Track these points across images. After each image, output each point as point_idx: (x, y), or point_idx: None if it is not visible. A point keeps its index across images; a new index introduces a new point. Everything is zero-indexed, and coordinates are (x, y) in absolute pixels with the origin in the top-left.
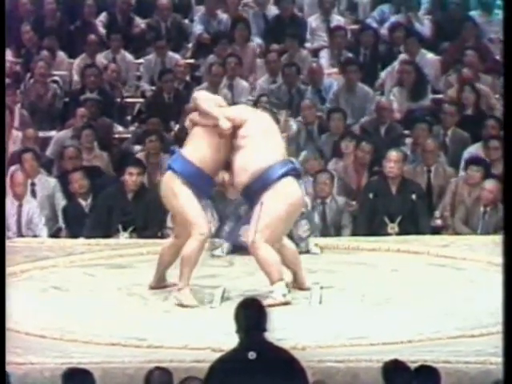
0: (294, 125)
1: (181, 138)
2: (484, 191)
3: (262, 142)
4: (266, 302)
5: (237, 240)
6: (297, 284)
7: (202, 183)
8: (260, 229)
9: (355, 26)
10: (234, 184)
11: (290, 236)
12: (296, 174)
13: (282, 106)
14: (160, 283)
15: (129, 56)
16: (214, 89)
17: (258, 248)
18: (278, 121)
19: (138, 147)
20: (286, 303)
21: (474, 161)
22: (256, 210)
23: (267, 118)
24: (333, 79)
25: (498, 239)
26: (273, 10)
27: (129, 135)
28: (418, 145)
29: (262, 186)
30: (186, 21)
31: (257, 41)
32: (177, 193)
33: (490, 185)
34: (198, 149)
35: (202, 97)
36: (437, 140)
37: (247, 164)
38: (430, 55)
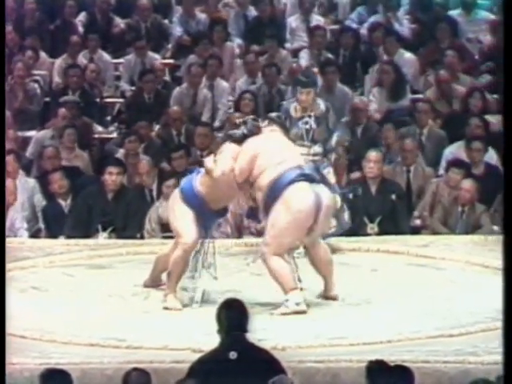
0: (321, 104)
1: (162, 138)
2: (461, 191)
3: (276, 158)
4: (279, 311)
5: None
6: (325, 291)
7: (205, 215)
8: (267, 241)
9: (335, 27)
10: (258, 205)
11: None
12: (307, 178)
13: (309, 84)
14: (154, 283)
15: (106, 56)
16: (193, 89)
17: (266, 260)
18: (286, 130)
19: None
20: (301, 312)
21: (455, 163)
22: (266, 222)
23: (276, 135)
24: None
25: (477, 239)
26: (253, 11)
27: (108, 135)
28: (389, 145)
29: (273, 196)
30: (166, 21)
31: (237, 41)
32: (175, 209)
33: (467, 184)
34: (208, 184)
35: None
36: (414, 139)
37: (262, 181)
38: (408, 55)
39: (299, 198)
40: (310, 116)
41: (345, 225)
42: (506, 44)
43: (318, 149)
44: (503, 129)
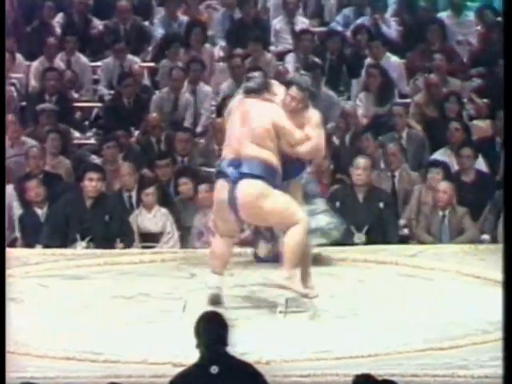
0: None
1: (141, 145)
2: (438, 193)
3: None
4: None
5: None
6: (302, 282)
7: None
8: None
9: (321, 29)
10: None
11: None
12: (222, 176)
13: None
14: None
15: (84, 58)
16: (175, 94)
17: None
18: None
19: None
20: (211, 297)
21: (432, 163)
22: None
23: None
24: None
25: (467, 248)
26: (238, 13)
27: (86, 141)
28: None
29: None
30: (147, 23)
31: (221, 44)
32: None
33: (444, 186)
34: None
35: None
36: (396, 144)
37: None
38: (394, 58)
39: (215, 194)
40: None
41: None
42: (505, 45)
43: None
44: (504, 129)
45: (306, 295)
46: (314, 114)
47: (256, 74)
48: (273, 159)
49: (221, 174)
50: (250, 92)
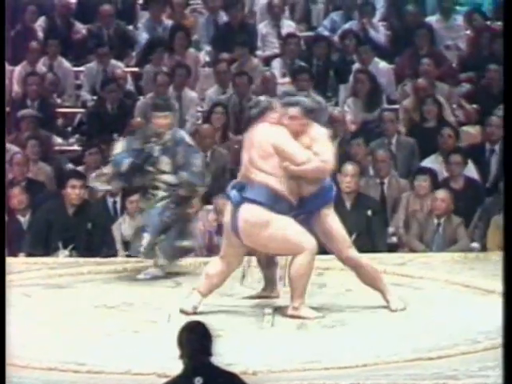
0: (177, 133)
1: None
2: (436, 201)
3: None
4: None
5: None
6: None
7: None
8: None
9: (308, 34)
10: None
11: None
12: (228, 198)
13: (166, 108)
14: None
15: (66, 63)
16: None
17: None
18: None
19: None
20: (184, 311)
21: (419, 171)
22: None
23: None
24: (287, 88)
25: (456, 256)
26: (223, 17)
27: (69, 147)
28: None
29: None
30: (131, 27)
31: (206, 48)
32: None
33: (442, 194)
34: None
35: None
36: (386, 150)
37: None
38: (383, 64)
39: (223, 216)
40: (156, 142)
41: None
42: (505, 46)
43: (168, 178)
44: (504, 132)
45: (316, 318)
46: (319, 131)
47: (262, 98)
48: (278, 185)
49: (227, 197)
50: (255, 118)
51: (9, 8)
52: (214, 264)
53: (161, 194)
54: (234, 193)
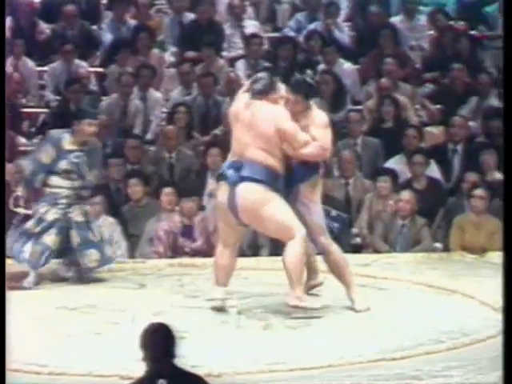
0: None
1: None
2: (400, 202)
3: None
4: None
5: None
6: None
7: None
8: None
9: (273, 35)
10: None
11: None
12: (224, 178)
13: (93, 115)
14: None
15: (31, 63)
16: (124, 100)
17: None
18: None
19: None
20: (216, 308)
21: (380, 171)
22: None
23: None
24: None
25: (420, 257)
26: (189, 17)
27: (33, 148)
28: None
29: None
30: (95, 27)
31: (171, 49)
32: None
33: (406, 195)
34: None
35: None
36: (351, 150)
37: None
38: (348, 64)
39: (216, 197)
40: (82, 151)
41: (109, 258)
42: (505, 47)
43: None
44: (504, 131)
45: (318, 309)
46: (319, 115)
47: (263, 74)
48: (276, 164)
49: (222, 177)
50: (257, 94)
51: None
52: (221, 254)
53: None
54: (230, 172)
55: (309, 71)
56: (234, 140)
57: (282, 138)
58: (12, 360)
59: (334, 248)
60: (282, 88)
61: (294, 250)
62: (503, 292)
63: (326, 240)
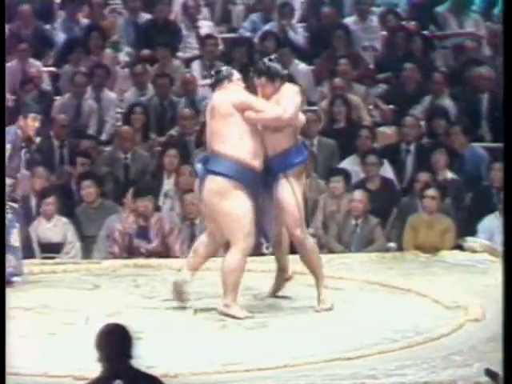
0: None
1: (43, 152)
2: (353, 202)
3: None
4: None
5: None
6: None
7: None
8: None
9: (228, 35)
10: None
11: None
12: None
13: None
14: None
15: None
16: (77, 100)
17: None
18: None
19: None
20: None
21: (333, 172)
22: None
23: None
24: (207, 90)
25: (374, 256)
26: (144, 17)
27: None
28: None
29: None
30: (48, 27)
31: (126, 49)
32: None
33: (359, 195)
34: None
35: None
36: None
37: None
38: (303, 65)
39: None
40: (28, 147)
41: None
42: (505, 47)
43: None
44: (504, 131)
45: (245, 318)
46: (287, 87)
47: (224, 67)
48: (241, 153)
49: (194, 171)
50: (216, 84)
51: None
52: (200, 240)
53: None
54: (199, 166)
55: (272, 56)
56: (206, 134)
57: (242, 110)
58: None
59: (309, 242)
60: (238, 76)
61: (233, 258)
62: (503, 292)
63: (302, 234)
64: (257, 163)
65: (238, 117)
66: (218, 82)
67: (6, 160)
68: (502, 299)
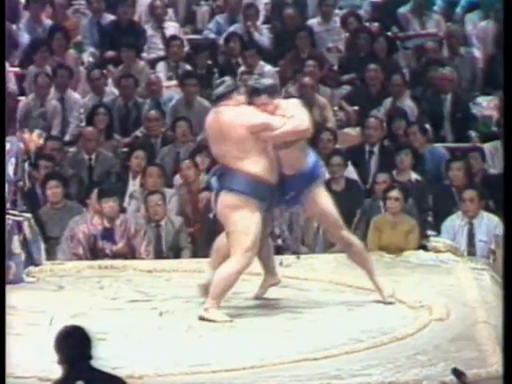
0: None
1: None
2: None
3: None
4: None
5: None
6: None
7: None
8: None
9: (193, 36)
10: None
11: None
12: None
13: None
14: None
15: None
16: (41, 100)
17: None
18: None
19: None
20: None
21: None
22: None
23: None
24: (173, 92)
25: (339, 257)
26: (108, 18)
27: None
28: None
29: None
30: (14, 27)
31: (90, 50)
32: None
33: None
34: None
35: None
36: None
37: None
38: (268, 67)
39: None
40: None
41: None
42: (506, 48)
43: None
44: (503, 132)
45: (223, 322)
46: (289, 102)
47: (225, 78)
48: (255, 169)
49: (210, 185)
50: (220, 98)
51: None
52: (221, 238)
53: None
54: (213, 180)
55: (254, 76)
56: (213, 153)
57: (256, 132)
58: None
59: (354, 239)
60: (242, 91)
61: (228, 268)
62: (503, 292)
63: (347, 233)
64: (272, 177)
65: (252, 138)
66: (221, 94)
67: (11, 173)
68: (502, 299)
